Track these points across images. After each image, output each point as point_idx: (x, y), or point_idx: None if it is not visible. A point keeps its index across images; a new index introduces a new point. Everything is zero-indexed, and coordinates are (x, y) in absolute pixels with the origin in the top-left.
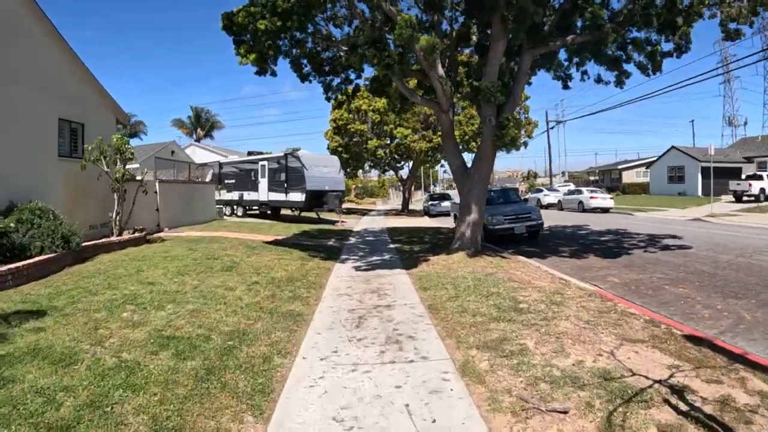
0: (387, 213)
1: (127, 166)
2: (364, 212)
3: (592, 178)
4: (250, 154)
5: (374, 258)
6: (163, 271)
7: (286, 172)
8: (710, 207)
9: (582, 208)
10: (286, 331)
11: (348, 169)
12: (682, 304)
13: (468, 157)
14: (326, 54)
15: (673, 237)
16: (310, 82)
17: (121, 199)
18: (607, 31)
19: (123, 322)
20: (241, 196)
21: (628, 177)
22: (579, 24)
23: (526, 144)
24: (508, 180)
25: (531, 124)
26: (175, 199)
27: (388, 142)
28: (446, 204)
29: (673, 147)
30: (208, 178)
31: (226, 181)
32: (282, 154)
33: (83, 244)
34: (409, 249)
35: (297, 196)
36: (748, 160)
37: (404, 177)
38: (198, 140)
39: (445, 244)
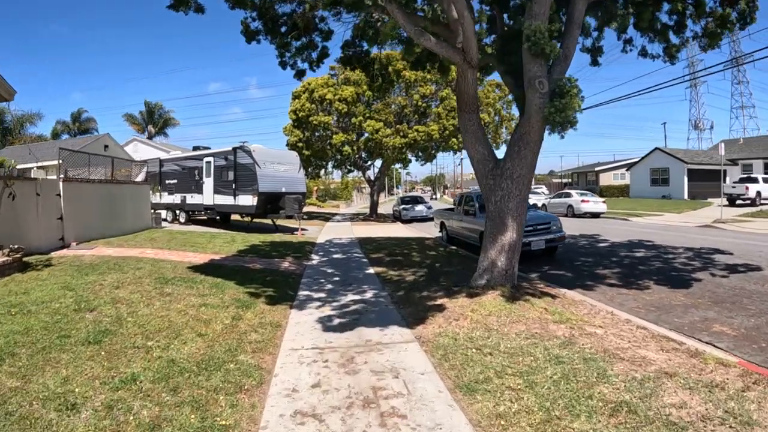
0: (353, 218)
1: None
2: (327, 217)
3: (556, 180)
4: (195, 149)
5: (351, 297)
6: None
7: (235, 171)
8: (720, 212)
9: (572, 212)
10: None
11: (309, 169)
12: None
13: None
14: (283, 7)
15: (720, 252)
16: (259, 42)
17: None
18: None
19: None
20: (184, 199)
21: (605, 179)
22: None
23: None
24: (472, 182)
25: (512, 120)
26: (90, 203)
27: (356, 137)
28: (420, 208)
29: (657, 148)
30: (140, 177)
31: (167, 182)
32: (230, 148)
33: None
34: (398, 278)
35: (247, 200)
36: (733, 162)
37: (372, 178)
38: (150, 137)
39: (447, 267)
